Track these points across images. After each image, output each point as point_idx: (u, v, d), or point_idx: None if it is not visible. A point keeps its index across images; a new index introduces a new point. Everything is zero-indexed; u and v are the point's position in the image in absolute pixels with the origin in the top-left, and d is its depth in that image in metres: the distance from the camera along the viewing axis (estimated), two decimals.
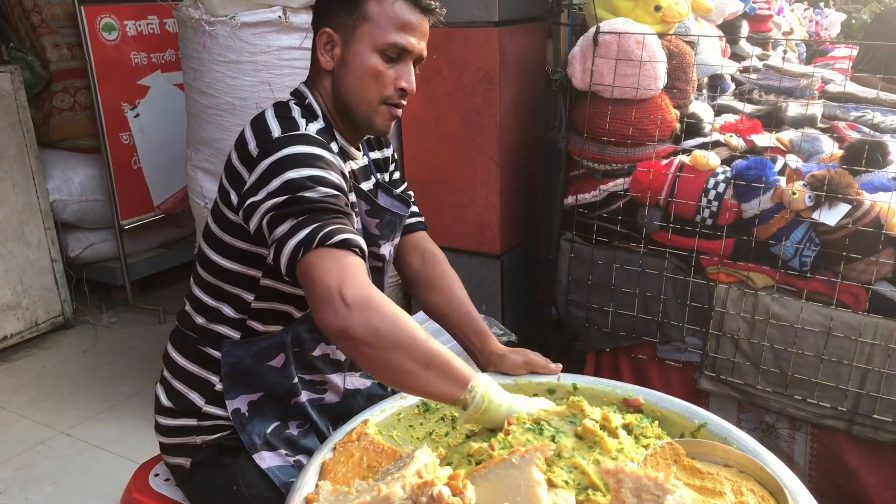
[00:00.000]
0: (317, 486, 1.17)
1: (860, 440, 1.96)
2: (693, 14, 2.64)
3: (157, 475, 1.61)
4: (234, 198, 1.30)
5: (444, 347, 1.17)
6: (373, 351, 1.12)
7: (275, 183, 1.21)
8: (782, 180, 2.00)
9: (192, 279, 1.47)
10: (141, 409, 2.87)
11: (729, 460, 1.20)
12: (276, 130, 1.27)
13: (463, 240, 2.63)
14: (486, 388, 1.19)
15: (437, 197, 2.65)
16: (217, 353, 1.42)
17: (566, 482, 1.12)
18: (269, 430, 1.43)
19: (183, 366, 1.46)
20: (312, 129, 1.32)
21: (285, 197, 1.20)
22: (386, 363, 1.13)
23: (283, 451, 1.43)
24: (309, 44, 2.41)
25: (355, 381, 1.56)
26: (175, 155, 3.66)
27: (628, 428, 1.29)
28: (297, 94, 1.42)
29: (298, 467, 1.40)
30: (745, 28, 3.30)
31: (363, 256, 1.20)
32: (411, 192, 1.70)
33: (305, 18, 2.37)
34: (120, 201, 3.70)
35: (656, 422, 1.40)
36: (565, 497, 1.04)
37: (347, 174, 1.36)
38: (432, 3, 1.35)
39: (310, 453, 1.44)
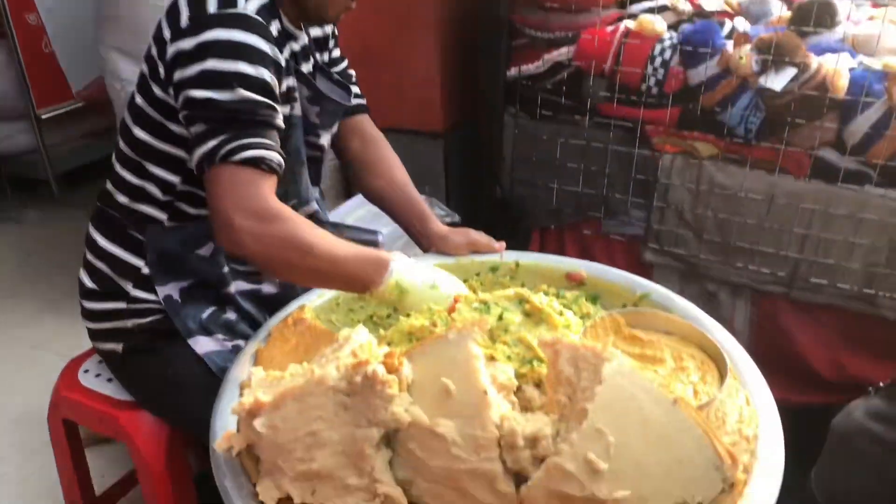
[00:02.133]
0: (250, 372, 1.12)
1: (797, 303, 2.00)
2: None
3: (86, 371, 1.56)
4: (161, 70, 1.21)
5: (349, 254, 1.19)
6: (273, 271, 1.21)
7: (194, 68, 1.13)
8: (729, 45, 1.93)
9: (114, 155, 1.38)
10: (77, 307, 2.77)
11: (671, 329, 1.19)
12: (212, 4, 1.16)
13: (403, 118, 2.51)
14: (397, 278, 1.21)
15: (374, 74, 2.50)
16: (142, 237, 1.35)
17: (509, 357, 1.10)
18: (204, 316, 1.38)
19: (106, 248, 1.38)
20: (252, 6, 1.19)
21: (202, 94, 1.13)
22: (290, 278, 1.23)
23: (221, 336, 1.39)
24: None
25: None
26: (91, 35, 3.38)
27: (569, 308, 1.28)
28: None
29: (237, 352, 1.35)
30: None
31: (275, 171, 1.17)
32: (352, 72, 1.61)
33: None
34: (34, 89, 3.42)
35: (597, 300, 1.38)
36: (504, 370, 1.01)
37: (285, 61, 1.27)
38: None
39: (247, 338, 1.40)
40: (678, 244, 2.09)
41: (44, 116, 3.49)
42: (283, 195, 1.39)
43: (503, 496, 0.89)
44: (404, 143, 2.52)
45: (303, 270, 1.18)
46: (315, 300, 1.37)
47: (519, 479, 0.91)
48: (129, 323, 1.38)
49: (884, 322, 1.90)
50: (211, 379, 1.31)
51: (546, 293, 1.36)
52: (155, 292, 1.36)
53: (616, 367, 0.90)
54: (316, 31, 1.47)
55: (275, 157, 1.16)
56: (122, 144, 1.34)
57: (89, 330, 1.46)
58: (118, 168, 1.36)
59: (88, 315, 1.43)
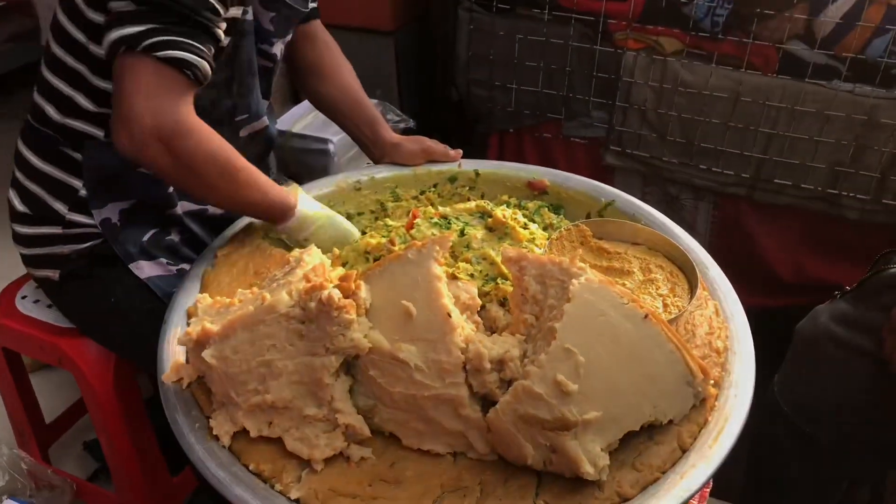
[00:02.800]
0: (196, 299, 1.05)
1: (760, 205, 1.98)
2: None
3: (24, 297, 1.47)
4: None
5: (256, 193, 1.13)
6: (173, 184, 1.15)
7: None
8: None
9: (42, 59, 1.23)
10: (6, 229, 2.63)
11: (637, 238, 1.15)
12: None
13: (349, 15, 2.35)
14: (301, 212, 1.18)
15: None
16: (78, 155, 1.23)
17: (472, 275, 1.05)
18: (145, 238, 1.29)
19: (39, 167, 1.26)
20: None
21: None
22: (192, 195, 1.19)
23: (164, 260, 1.30)
24: None
25: None
26: None
27: (532, 220, 1.22)
28: None
29: (182, 277, 1.28)
30: None
31: (200, 82, 1.05)
32: None
33: None
34: None
35: (560, 210, 1.33)
36: (467, 289, 0.95)
37: None
38: None
39: (192, 262, 1.31)
40: (641, 146, 2.04)
41: None
42: (233, 109, 1.31)
43: (469, 421, 0.85)
44: (352, 42, 2.38)
45: (214, 194, 1.12)
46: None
47: (485, 402, 0.87)
48: (66, 248, 1.29)
49: (846, 223, 1.89)
50: (155, 305, 1.23)
51: (508, 204, 1.31)
52: (92, 215, 1.26)
53: (584, 282, 0.86)
54: None
55: (203, 65, 1.04)
56: (53, 46, 1.20)
57: (22, 255, 1.35)
58: (47, 74, 1.22)
59: (20, 240, 1.33)
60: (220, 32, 1.08)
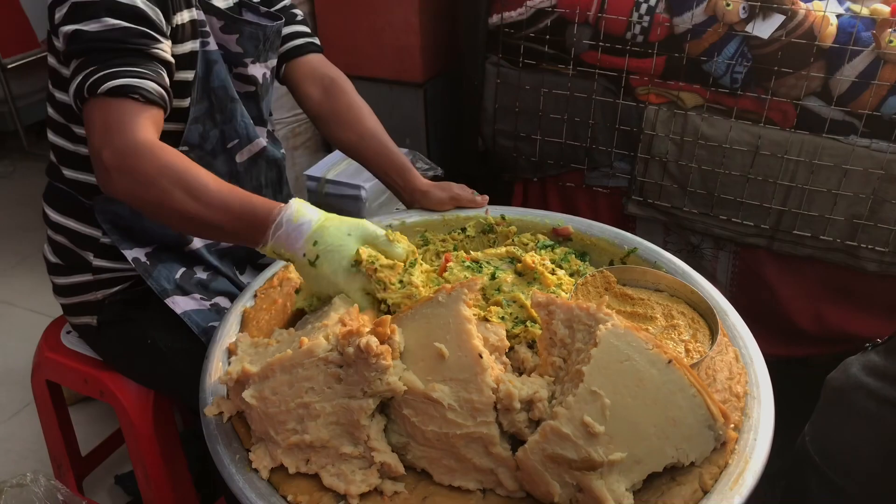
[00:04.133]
0: (237, 337, 1.11)
1: (780, 256, 2.01)
2: None
3: (69, 332, 1.53)
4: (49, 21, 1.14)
5: (232, 189, 1.06)
6: (147, 211, 1.07)
7: (65, 6, 1.08)
8: None
9: (49, 128, 1.31)
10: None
11: (660, 284, 1.19)
12: None
13: (381, 67, 2.45)
14: (297, 206, 1.07)
15: (351, 22, 2.44)
16: (91, 205, 1.30)
17: (502, 318, 1.09)
18: (177, 276, 1.34)
19: (60, 221, 1.34)
20: None
21: (70, 28, 1.07)
22: (164, 221, 1.08)
23: (198, 296, 1.35)
24: None
25: None
26: None
27: (559, 266, 1.27)
28: None
29: (216, 311, 1.33)
30: None
31: (153, 101, 1.08)
32: (297, 12, 1.52)
33: None
34: None
35: (586, 256, 1.38)
36: (496, 331, 1.00)
37: None
38: None
39: (225, 295, 1.37)
40: (662, 196, 2.09)
41: (10, 66, 3.37)
42: (221, 136, 1.34)
43: (499, 459, 0.89)
44: (383, 92, 2.49)
45: (177, 217, 1.05)
46: None
47: (515, 441, 0.91)
48: (98, 294, 1.35)
49: (865, 274, 1.92)
50: (191, 341, 1.28)
51: (535, 248, 1.36)
52: (118, 260, 1.32)
53: (611, 328, 0.90)
54: None
55: (150, 85, 1.07)
56: (49, 110, 1.29)
57: (62, 306, 1.43)
58: (50, 135, 1.31)
59: (58, 290, 1.41)
60: (164, 53, 1.12)
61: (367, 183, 2.06)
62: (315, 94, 1.50)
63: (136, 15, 1.08)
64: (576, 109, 2.12)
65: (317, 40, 1.52)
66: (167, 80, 1.12)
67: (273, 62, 1.42)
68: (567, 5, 2.03)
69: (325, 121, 1.52)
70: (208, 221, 1.04)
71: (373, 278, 1.06)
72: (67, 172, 1.30)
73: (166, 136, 1.24)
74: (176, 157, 1.05)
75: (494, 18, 2.15)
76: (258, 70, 1.37)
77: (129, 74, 1.05)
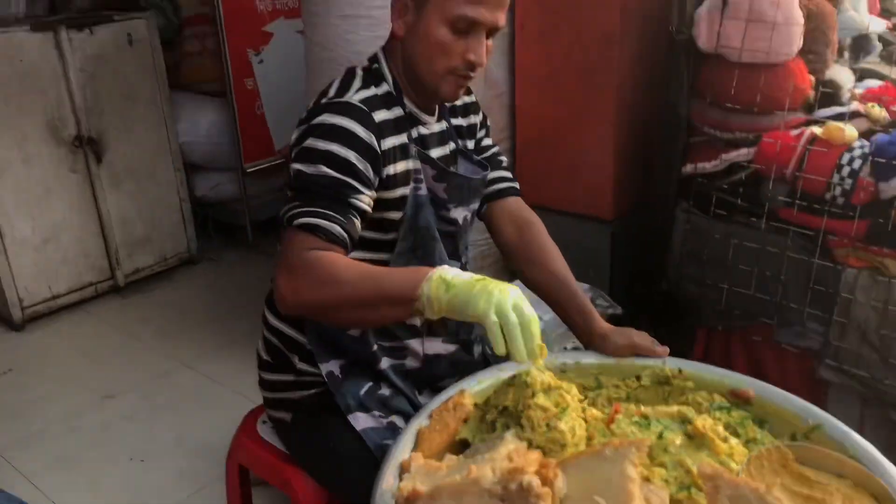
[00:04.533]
0: (410, 455, 1.19)
1: None
2: None
3: (265, 422, 1.70)
4: None
5: (382, 277, 1.17)
6: (322, 319, 1.23)
7: (298, 147, 1.29)
8: None
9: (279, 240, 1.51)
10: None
11: (844, 471, 1.13)
12: (330, 94, 1.34)
13: (573, 202, 2.56)
14: (440, 273, 1.13)
15: (549, 157, 2.59)
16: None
17: (666, 481, 1.09)
18: (362, 392, 1.46)
19: (276, 326, 1.52)
20: (361, 95, 1.33)
21: (294, 168, 1.28)
22: (338, 323, 1.25)
23: (377, 413, 1.46)
24: None
25: (436, 347, 1.55)
26: (296, 101, 3.74)
27: (734, 432, 1.24)
28: (372, 56, 1.43)
29: (391, 429, 1.44)
30: None
31: (334, 240, 1.22)
32: (503, 158, 1.66)
33: None
34: (243, 145, 3.84)
35: (765, 424, 1.33)
36: (659, 494, 1.01)
37: (409, 144, 1.37)
38: None
39: (402, 414, 1.47)
40: (860, 365, 1.96)
41: (249, 170, 3.89)
42: (419, 260, 1.45)
43: None
44: (572, 225, 2.59)
45: (345, 310, 1.19)
46: (475, 386, 1.42)
47: None
48: (296, 394, 1.51)
49: None
50: (368, 454, 1.39)
51: (710, 408, 1.34)
52: (317, 366, 1.47)
53: None
54: (459, 121, 1.55)
55: (336, 229, 1.22)
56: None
57: (264, 398, 1.60)
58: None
59: (263, 384, 1.58)
60: (361, 202, 1.27)
61: (547, 315, 2.12)
62: (510, 233, 1.61)
63: (346, 168, 1.26)
64: (767, 263, 2.08)
65: (516, 184, 1.65)
66: (357, 226, 1.28)
67: (475, 206, 1.56)
68: (764, 161, 2.04)
69: (515, 257, 1.61)
70: (380, 293, 1.16)
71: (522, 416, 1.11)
72: None
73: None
74: (335, 260, 1.19)
75: (688, 167, 2.20)
76: (460, 213, 1.51)
77: (321, 216, 1.23)
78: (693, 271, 2.25)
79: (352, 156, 1.26)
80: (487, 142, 1.65)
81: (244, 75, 3.80)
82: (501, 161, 1.65)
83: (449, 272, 1.13)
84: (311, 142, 1.26)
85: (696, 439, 1.19)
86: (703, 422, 1.21)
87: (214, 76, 3.85)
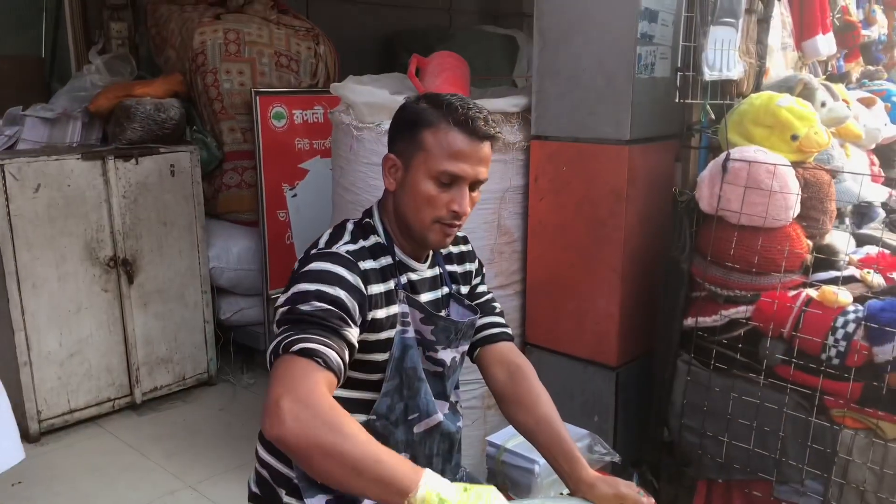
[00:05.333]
0: None
1: None
2: (841, 140, 2.57)
3: None
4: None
5: (383, 453, 1.17)
6: (305, 460, 1.17)
7: (289, 292, 1.37)
8: None
9: None
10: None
11: None
12: (320, 245, 1.45)
13: (579, 347, 2.63)
14: (435, 488, 1.15)
15: (558, 302, 2.69)
16: None
17: None
18: None
19: (266, 460, 1.58)
20: (348, 248, 1.43)
21: (285, 308, 1.34)
22: (319, 471, 1.18)
23: None
24: None
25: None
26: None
27: None
28: (367, 210, 1.57)
29: None
30: None
31: (331, 369, 1.26)
32: (496, 305, 1.75)
33: None
34: (271, 272, 4.01)
35: None
36: None
37: (397, 289, 1.47)
38: (488, 129, 1.43)
39: None
40: None
41: (273, 296, 4.03)
42: (405, 409, 1.53)
43: None
44: (579, 370, 2.64)
45: (336, 460, 1.15)
46: None
47: None
48: None
49: None
50: None
51: None
52: (303, 501, 1.51)
53: None
54: (454, 267, 1.66)
55: (332, 355, 1.27)
56: None
57: None
58: None
59: None
60: (351, 336, 1.34)
61: (542, 459, 2.15)
62: (501, 377, 1.67)
63: (337, 303, 1.34)
64: (765, 419, 2.11)
65: (509, 330, 1.73)
66: (347, 357, 1.34)
67: (464, 348, 1.64)
68: (762, 319, 2.11)
69: (506, 401, 1.66)
70: (376, 470, 1.15)
71: None
72: None
73: (359, 405, 1.48)
74: (346, 417, 1.20)
75: (689, 321, 2.27)
76: (448, 355, 1.59)
77: (318, 342, 1.28)
78: (694, 422, 2.27)
79: (341, 294, 1.35)
80: (482, 288, 1.75)
81: (278, 207, 4.02)
82: (495, 307, 1.75)
83: (441, 484, 1.16)
84: (301, 286, 1.35)
85: None
86: None
87: (249, 207, 4.08)
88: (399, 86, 2.77)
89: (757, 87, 2.44)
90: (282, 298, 1.39)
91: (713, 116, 2.38)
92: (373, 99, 2.53)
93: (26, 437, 3.35)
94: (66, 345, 3.40)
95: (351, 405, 1.46)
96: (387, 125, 2.52)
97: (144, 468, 3.19)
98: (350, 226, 1.51)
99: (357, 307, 1.38)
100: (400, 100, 2.52)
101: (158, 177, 3.62)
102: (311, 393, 1.19)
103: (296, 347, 1.26)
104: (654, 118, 2.50)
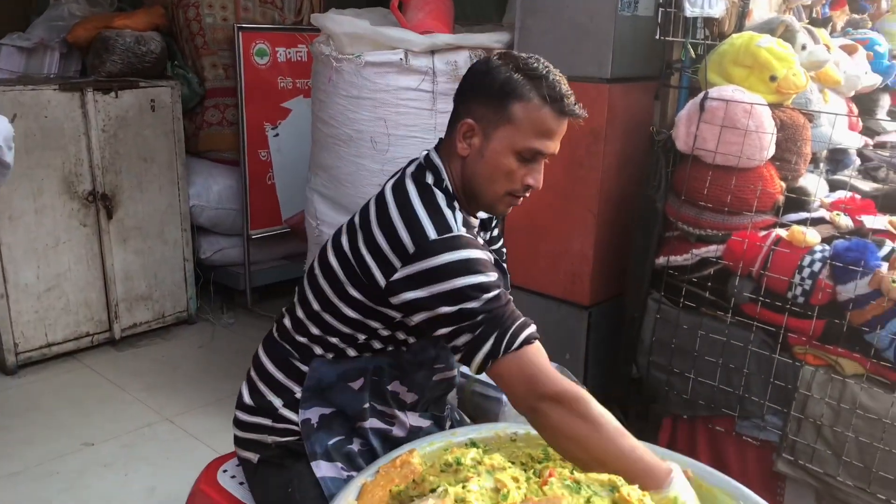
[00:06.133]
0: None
1: None
2: (819, 85, 2.56)
3: (225, 471, 1.75)
4: (379, 277, 1.38)
5: (627, 449, 1.24)
6: (563, 449, 1.30)
7: (436, 289, 1.32)
8: (885, 266, 1.91)
9: (299, 304, 1.55)
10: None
11: None
12: (430, 229, 1.34)
13: (554, 287, 2.66)
14: (678, 491, 1.23)
15: (534, 242, 2.70)
16: (305, 367, 1.53)
17: None
18: (331, 443, 1.53)
19: (270, 371, 1.58)
20: (459, 222, 1.38)
21: (454, 308, 1.31)
22: (577, 456, 1.28)
23: (340, 465, 1.52)
24: (426, 86, 2.55)
25: (416, 420, 1.63)
26: (304, 176, 3.92)
27: None
28: (432, 166, 1.46)
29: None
30: (885, 102, 3.14)
31: (539, 338, 1.32)
32: (504, 250, 1.77)
33: (425, 62, 2.51)
34: (251, 212, 4.00)
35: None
36: None
37: (491, 257, 1.42)
38: (577, 109, 1.39)
39: None
40: (815, 460, 2.00)
41: (254, 236, 4.03)
42: (435, 357, 1.56)
43: None
44: (552, 308, 2.67)
45: (589, 449, 1.25)
46: (426, 447, 1.48)
47: None
48: (270, 438, 1.57)
49: None
50: (324, 500, 1.45)
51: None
52: (297, 414, 1.53)
53: None
54: (482, 214, 1.64)
55: (533, 327, 1.32)
56: (311, 300, 1.51)
57: (235, 436, 1.66)
58: (301, 315, 1.54)
59: (238, 423, 1.64)
60: (511, 301, 1.36)
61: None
62: None
63: (498, 285, 1.34)
64: (731, 356, 2.15)
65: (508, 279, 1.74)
66: None
67: None
68: (732, 258, 2.14)
69: None
70: (610, 461, 1.24)
71: None
72: (301, 339, 1.54)
73: (395, 341, 1.50)
74: (596, 405, 1.27)
75: (661, 260, 2.30)
76: None
77: (522, 326, 1.31)
78: (662, 360, 2.31)
79: (492, 277, 1.34)
80: (497, 232, 1.75)
81: (259, 147, 3.99)
82: (504, 254, 1.77)
83: (682, 489, 1.23)
84: (457, 282, 1.30)
85: None
86: (630, 492, 1.26)
87: (230, 145, 4.04)
88: (381, 19, 2.73)
89: (739, 28, 2.43)
90: (417, 295, 1.33)
91: (693, 55, 2.37)
92: (353, 29, 2.50)
93: (3, 369, 3.37)
94: (43, 278, 3.39)
95: (399, 342, 1.50)
96: (368, 57, 2.54)
97: (123, 401, 3.22)
98: (436, 190, 1.42)
99: (501, 282, 1.37)
100: (383, 31, 2.52)
101: (139, 111, 3.57)
102: (562, 391, 1.26)
103: (516, 345, 1.30)
104: (635, 58, 2.49)
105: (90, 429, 2.97)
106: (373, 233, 1.39)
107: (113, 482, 2.64)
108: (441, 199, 1.40)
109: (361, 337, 1.48)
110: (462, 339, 1.32)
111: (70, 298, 3.50)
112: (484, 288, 1.31)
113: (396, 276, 1.35)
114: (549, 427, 1.28)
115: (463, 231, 1.37)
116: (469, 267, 1.32)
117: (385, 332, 1.48)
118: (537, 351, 1.30)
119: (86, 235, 3.49)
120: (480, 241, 1.51)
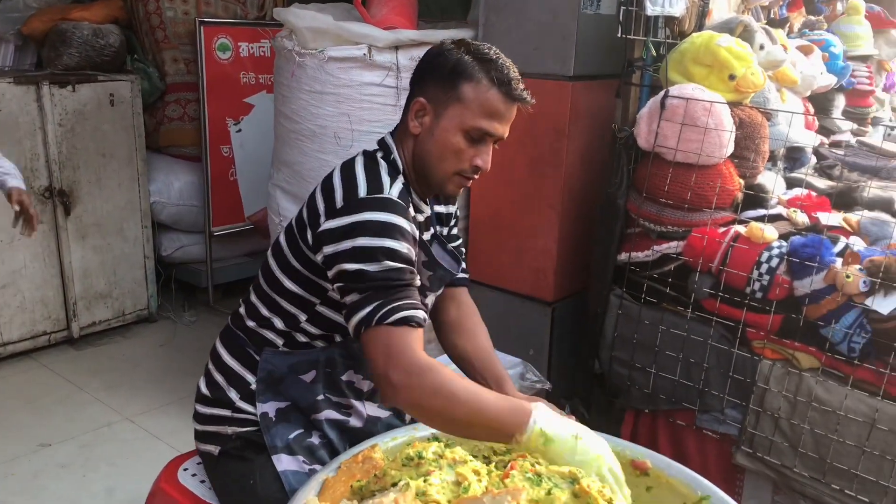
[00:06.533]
0: (309, 500, 1.24)
1: None
2: (777, 84, 2.61)
3: (185, 469, 1.73)
4: (308, 234, 1.41)
5: (486, 402, 1.26)
6: (422, 419, 1.32)
7: (346, 244, 1.33)
8: (839, 262, 1.95)
9: (252, 287, 1.60)
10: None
11: None
12: (362, 188, 1.37)
13: (518, 283, 2.67)
14: (541, 426, 1.25)
15: (498, 238, 2.71)
16: (257, 357, 1.54)
17: None
18: (291, 436, 1.53)
19: (226, 361, 1.59)
20: (395, 190, 1.39)
21: (353, 267, 1.32)
22: (437, 427, 1.33)
23: (301, 458, 1.52)
24: (390, 82, 2.54)
25: (374, 410, 1.63)
26: (267, 172, 3.88)
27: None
28: (383, 145, 1.50)
29: (311, 476, 1.48)
30: (840, 102, 3.22)
31: (421, 325, 1.31)
32: (463, 249, 1.78)
33: (389, 57, 2.50)
34: (213, 209, 3.94)
35: (650, 489, 1.40)
36: None
37: (417, 235, 1.43)
38: (524, 94, 1.42)
39: (325, 465, 1.52)
40: (772, 452, 2.04)
41: (216, 233, 3.98)
42: None
43: None
44: (516, 304, 2.69)
45: (448, 418, 1.26)
46: (388, 441, 1.48)
47: None
48: (230, 429, 1.56)
49: None
50: (283, 496, 1.44)
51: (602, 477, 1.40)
52: (255, 406, 1.53)
53: None
54: (440, 209, 1.66)
55: (420, 314, 1.31)
56: (261, 279, 1.56)
57: (196, 430, 1.65)
58: (253, 298, 1.57)
59: (197, 417, 1.63)
60: (418, 282, 1.37)
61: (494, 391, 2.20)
62: (452, 312, 1.73)
63: (405, 258, 1.34)
64: (691, 351, 2.18)
65: (468, 276, 1.77)
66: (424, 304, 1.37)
67: (440, 292, 1.67)
68: (692, 254, 2.17)
69: (450, 330, 1.72)
70: (483, 420, 1.26)
71: None
72: (251, 324, 1.55)
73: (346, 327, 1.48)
74: (450, 374, 1.27)
75: (623, 256, 2.32)
76: (431, 299, 1.62)
77: (407, 307, 1.31)
78: (624, 355, 2.34)
79: (405, 247, 1.34)
80: (455, 231, 1.76)
81: (221, 142, 3.94)
82: (462, 252, 1.77)
83: (548, 423, 1.25)
84: (365, 240, 1.31)
85: (581, 498, 1.25)
86: (590, 483, 1.28)
87: (192, 141, 3.97)
88: (345, 14, 2.72)
89: (699, 27, 2.47)
90: (333, 248, 1.34)
91: (655, 53, 2.40)
92: (316, 24, 2.48)
93: None
94: None
95: (339, 328, 1.50)
96: (331, 52, 2.52)
97: (81, 401, 3.15)
98: (382, 161, 1.46)
99: (414, 253, 1.38)
100: (346, 27, 2.50)
101: (97, 106, 3.50)
102: (415, 362, 1.26)
103: (391, 319, 1.28)
104: (598, 56, 2.51)
105: (47, 429, 2.90)
106: (314, 195, 1.44)
107: (70, 483, 2.59)
108: (383, 167, 1.44)
109: (303, 317, 1.49)
110: (349, 298, 1.33)
111: (26, 296, 3.42)
112: (389, 254, 1.31)
113: (321, 227, 1.37)
114: (406, 401, 1.27)
115: (394, 195, 1.38)
116: (385, 230, 1.33)
117: (325, 311, 1.49)
118: (412, 335, 1.28)
119: (42, 232, 3.40)
120: (421, 217, 1.53)
